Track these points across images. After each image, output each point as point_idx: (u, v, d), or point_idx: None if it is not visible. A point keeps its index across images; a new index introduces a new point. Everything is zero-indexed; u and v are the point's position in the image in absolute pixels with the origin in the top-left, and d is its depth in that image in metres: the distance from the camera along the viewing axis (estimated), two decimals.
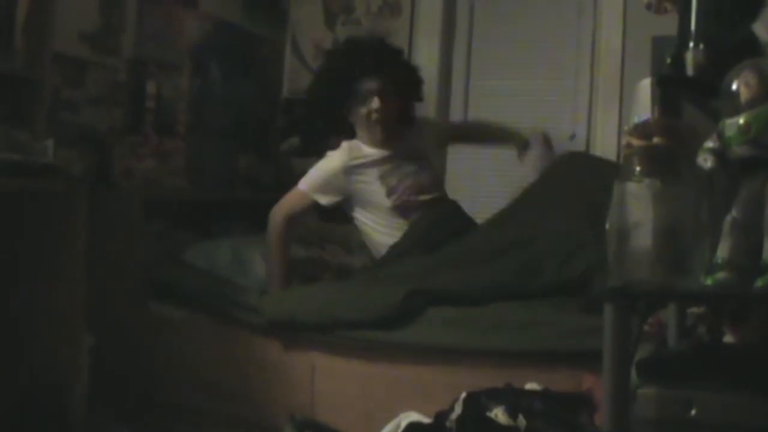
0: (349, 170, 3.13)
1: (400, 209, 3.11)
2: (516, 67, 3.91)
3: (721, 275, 1.40)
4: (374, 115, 3.12)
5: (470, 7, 4.07)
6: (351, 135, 3.21)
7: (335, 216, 3.43)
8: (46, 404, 2.51)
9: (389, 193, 3.11)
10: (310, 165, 3.26)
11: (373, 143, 3.18)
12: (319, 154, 3.25)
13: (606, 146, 3.57)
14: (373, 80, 3.13)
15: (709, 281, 1.41)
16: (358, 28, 4.10)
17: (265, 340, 2.88)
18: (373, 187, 3.13)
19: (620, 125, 3.53)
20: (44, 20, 2.76)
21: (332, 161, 3.16)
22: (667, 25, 3.17)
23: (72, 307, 2.58)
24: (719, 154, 1.43)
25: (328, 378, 2.78)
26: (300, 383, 2.81)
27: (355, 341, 2.74)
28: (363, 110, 3.14)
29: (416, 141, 3.26)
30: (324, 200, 3.14)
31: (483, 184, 3.84)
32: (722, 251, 1.41)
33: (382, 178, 3.13)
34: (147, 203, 3.09)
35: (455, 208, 3.23)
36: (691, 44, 1.78)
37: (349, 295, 2.81)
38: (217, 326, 2.98)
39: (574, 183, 2.84)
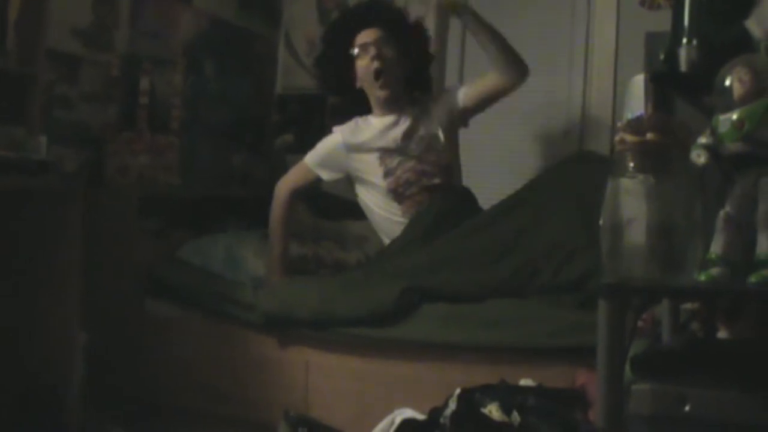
0: (350, 147, 3.11)
1: (395, 193, 3.06)
2: None
3: (714, 271, 1.40)
4: (375, 64, 3.06)
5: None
6: (368, 110, 3.17)
7: (329, 212, 3.43)
8: (42, 403, 2.50)
9: (386, 174, 3.07)
10: None
11: (381, 107, 3.12)
12: None
13: (599, 142, 3.56)
14: (368, 31, 3.09)
15: (702, 277, 1.41)
16: None
17: (259, 337, 2.88)
18: (371, 166, 3.09)
19: (613, 121, 3.53)
20: (37, 16, 2.75)
21: (334, 136, 3.16)
22: (661, 20, 3.16)
23: (67, 304, 2.57)
24: (712, 150, 1.44)
25: (322, 375, 2.78)
26: (294, 380, 2.81)
27: (350, 338, 2.74)
28: (362, 65, 3.09)
29: (434, 112, 3.15)
30: (326, 175, 3.16)
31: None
32: (715, 247, 1.41)
33: (382, 157, 3.08)
34: (141, 200, 3.09)
35: (461, 198, 3.12)
36: (684, 40, 1.79)
37: (346, 291, 2.81)
38: (211, 323, 2.97)
39: (576, 184, 2.81)
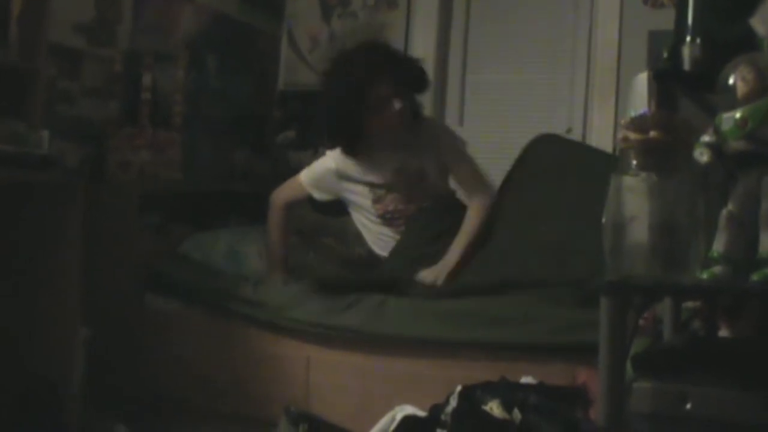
0: (342, 174, 3.11)
1: (383, 218, 3.10)
2: (512, 60, 3.91)
3: (716, 269, 1.40)
4: (398, 119, 2.98)
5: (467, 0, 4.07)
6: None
7: (331, 209, 3.43)
8: (42, 402, 2.50)
9: (374, 201, 3.10)
10: (305, 157, 3.26)
11: (387, 145, 3.08)
12: (315, 147, 3.25)
13: (602, 140, 3.57)
14: (385, 84, 2.96)
15: (704, 275, 1.41)
16: (354, 21, 4.09)
17: (260, 333, 2.88)
18: (361, 193, 3.11)
19: (617, 119, 3.53)
20: (39, 11, 2.74)
21: (328, 161, 3.15)
22: (664, 19, 3.17)
23: (68, 300, 2.57)
24: (715, 148, 1.43)
25: (323, 371, 2.78)
26: (295, 376, 2.81)
27: (351, 334, 2.74)
28: (383, 117, 2.98)
29: (425, 140, 3.11)
30: (317, 195, 3.18)
31: None
32: (718, 245, 1.41)
33: (372, 185, 3.09)
34: (143, 196, 3.08)
35: (442, 210, 3.10)
36: (688, 38, 1.79)
37: (347, 300, 2.81)
38: (211, 319, 2.97)
39: (563, 175, 2.81)
